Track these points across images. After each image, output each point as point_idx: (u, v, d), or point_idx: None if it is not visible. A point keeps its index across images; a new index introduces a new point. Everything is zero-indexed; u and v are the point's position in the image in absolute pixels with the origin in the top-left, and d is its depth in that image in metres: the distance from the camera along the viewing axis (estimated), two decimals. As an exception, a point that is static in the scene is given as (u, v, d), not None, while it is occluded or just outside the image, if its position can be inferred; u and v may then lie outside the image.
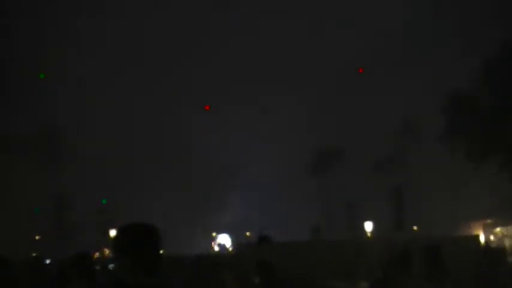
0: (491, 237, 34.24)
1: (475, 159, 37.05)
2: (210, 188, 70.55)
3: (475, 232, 29.68)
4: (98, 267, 9.87)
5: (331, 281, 8.40)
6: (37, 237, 56.06)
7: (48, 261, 15.60)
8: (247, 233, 61.20)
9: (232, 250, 51.30)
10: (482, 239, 22.76)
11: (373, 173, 56.77)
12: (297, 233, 49.06)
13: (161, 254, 3.96)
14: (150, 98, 72.23)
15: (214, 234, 66.49)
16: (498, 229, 35.22)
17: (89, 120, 65.01)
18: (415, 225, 50.65)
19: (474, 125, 37.45)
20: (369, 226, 43.38)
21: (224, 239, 63.50)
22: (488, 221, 36.73)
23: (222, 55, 75.12)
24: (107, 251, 48.76)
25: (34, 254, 45.63)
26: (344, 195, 57.30)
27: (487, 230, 35.13)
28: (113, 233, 46.58)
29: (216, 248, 59.00)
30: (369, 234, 42.07)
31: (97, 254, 50.90)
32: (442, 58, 54.55)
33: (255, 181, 67.85)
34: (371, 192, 53.97)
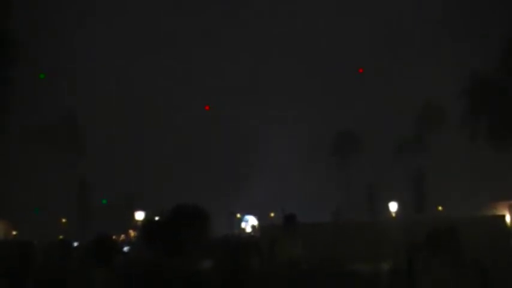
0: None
1: (498, 139, 36.70)
2: (231, 170, 70.77)
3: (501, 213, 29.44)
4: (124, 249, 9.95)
5: (355, 265, 8.40)
6: (64, 220, 56.74)
7: (75, 244, 15.78)
8: (271, 214, 61.33)
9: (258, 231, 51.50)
10: (508, 219, 22.55)
11: (395, 155, 56.48)
12: (317, 215, 49.16)
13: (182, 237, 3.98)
14: (170, 82, 72.48)
15: (238, 215, 66.64)
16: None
17: (107, 107, 65.39)
18: (437, 206, 50.44)
19: (496, 105, 37.04)
20: (393, 206, 43.17)
21: (253, 221, 63.65)
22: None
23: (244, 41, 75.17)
24: (132, 233, 49.29)
25: (61, 237, 46.36)
26: (365, 177, 57.15)
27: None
28: (138, 215, 47.11)
29: (249, 229, 59.03)
30: (393, 215, 41.90)
31: (122, 236, 51.50)
32: (462, 40, 53.88)
33: (276, 163, 67.92)
34: (393, 174, 53.79)
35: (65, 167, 56.95)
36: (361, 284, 6.32)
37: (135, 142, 65.12)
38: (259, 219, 61.60)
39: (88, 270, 5.26)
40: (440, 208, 50.42)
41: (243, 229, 59.65)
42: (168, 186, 63.34)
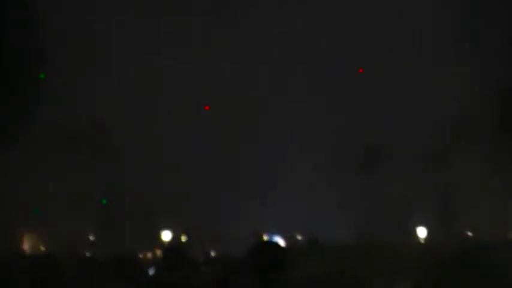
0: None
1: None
2: (252, 187, 70.59)
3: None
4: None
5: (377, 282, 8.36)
6: (91, 238, 57.10)
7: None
8: (299, 237, 61.10)
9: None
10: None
11: (422, 170, 55.79)
12: (343, 234, 48.82)
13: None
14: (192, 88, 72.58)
15: (265, 236, 66.47)
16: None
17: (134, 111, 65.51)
18: (466, 228, 49.76)
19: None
20: (422, 232, 42.70)
21: (280, 241, 63.37)
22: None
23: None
24: (158, 252, 49.41)
25: (88, 254, 46.75)
26: (391, 193, 56.61)
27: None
28: (165, 235, 47.34)
29: None
30: (422, 241, 41.41)
31: (149, 255, 51.62)
32: (488, 53, 53.19)
33: (299, 178, 67.58)
34: (420, 191, 53.21)
35: (93, 176, 57.17)
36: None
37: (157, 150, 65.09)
38: (286, 240, 61.41)
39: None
40: (470, 234, 49.73)
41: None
42: (188, 203, 63.51)
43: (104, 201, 59.98)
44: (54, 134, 55.53)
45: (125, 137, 60.36)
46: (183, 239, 64.06)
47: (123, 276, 5.15)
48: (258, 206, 68.78)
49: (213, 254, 52.96)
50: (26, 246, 46.90)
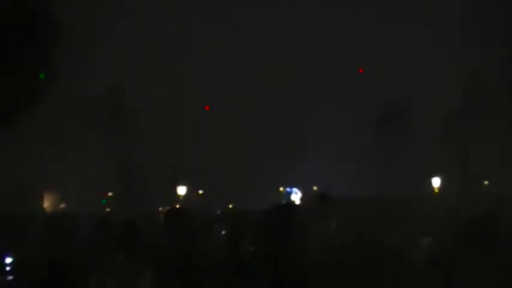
0: None
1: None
2: (277, 145, 70.79)
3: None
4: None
5: (394, 240, 8.29)
6: (110, 194, 57.71)
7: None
8: (315, 188, 61.27)
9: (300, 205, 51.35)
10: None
11: (441, 128, 55.55)
12: (364, 189, 49.01)
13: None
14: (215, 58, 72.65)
15: (281, 189, 66.78)
16: None
17: (155, 81, 65.81)
18: (484, 179, 49.63)
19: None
20: (436, 182, 42.63)
21: (296, 194, 63.64)
22: None
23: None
24: (176, 207, 49.80)
25: (108, 210, 47.32)
26: (410, 150, 56.55)
27: None
28: (181, 190, 47.74)
29: (298, 202, 58.96)
30: (436, 190, 41.36)
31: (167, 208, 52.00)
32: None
33: (322, 136, 67.67)
34: (439, 148, 53.07)
35: (111, 139, 57.66)
36: (397, 260, 6.24)
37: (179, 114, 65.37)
38: (303, 193, 61.69)
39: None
40: (486, 183, 49.56)
41: (293, 201, 59.41)
42: (208, 159, 63.89)
43: (104, 202, 60.41)
44: (76, 102, 56.08)
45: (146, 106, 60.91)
46: (200, 193, 64.87)
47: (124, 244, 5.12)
48: (280, 163, 69.49)
49: (230, 206, 53.67)
50: (46, 204, 47.56)
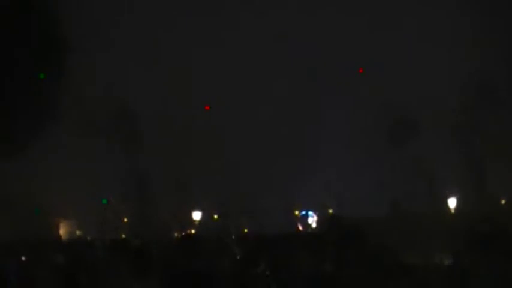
0: None
1: None
2: (285, 166, 70.55)
3: None
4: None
5: (408, 258, 8.28)
6: (125, 220, 57.73)
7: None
8: (330, 210, 60.93)
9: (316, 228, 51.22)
10: None
11: (452, 139, 54.91)
12: (376, 207, 48.58)
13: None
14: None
15: (297, 212, 66.44)
16: None
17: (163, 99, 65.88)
18: (501, 197, 49.11)
19: None
20: (452, 202, 42.26)
21: (309, 217, 63.32)
22: None
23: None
24: (192, 232, 49.80)
25: (123, 236, 47.38)
26: (423, 166, 56.05)
27: None
28: (196, 215, 47.70)
29: (314, 225, 58.48)
30: (452, 211, 40.96)
31: (183, 234, 51.99)
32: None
33: (332, 155, 67.32)
34: (450, 159, 52.59)
35: (123, 161, 57.63)
36: (415, 277, 6.21)
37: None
38: (318, 216, 61.37)
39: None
40: (503, 202, 49.09)
41: (310, 225, 59.07)
42: (217, 181, 63.74)
43: (104, 201, 60.15)
44: (83, 120, 56.27)
45: (153, 121, 60.89)
46: (215, 217, 64.67)
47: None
48: (292, 184, 69.06)
49: (246, 230, 53.48)
50: (62, 231, 47.70)
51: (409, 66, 64.48)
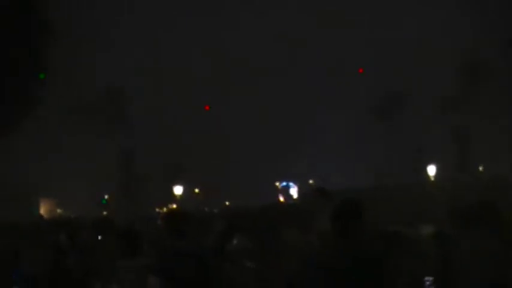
0: None
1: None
2: (276, 137, 70.74)
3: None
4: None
5: (394, 226, 8.29)
6: (106, 197, 57.54)
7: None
8: (310, 181, 61.19)
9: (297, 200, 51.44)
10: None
11: (439, 113, 55.32)
12: (363, 178, 48.98)
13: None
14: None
15: (277, 184, 66.65)
16: None
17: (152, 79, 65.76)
18: (480, 165, 49.60)
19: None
20: (432, 170, 42.53)
21: (291, 189, 63.62)
22: None
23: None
24: (173, 206, 49.75)
25: (105, 213, 47.25)
26: (408, 138, 56.41)
27: None
28: (177, 189, 47.62)
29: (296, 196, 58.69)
30: (432, 179, 41.19)
31: (164, 209, 51.98)
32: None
33: (322, 127, 67.60)
34: (436, 135, 52.99)
35: (109, 140, 57.39)
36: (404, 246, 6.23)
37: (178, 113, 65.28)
38: (299, 187, 61.70)
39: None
40: (480, 168, 49.57)
41: (292, 196, 59.27)
42: (207, 158, 63.81)
43: (104, 201, 59.75)
44: (73, 103, 56.01)
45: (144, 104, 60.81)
46: (196, 191, 64.78)
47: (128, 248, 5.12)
48: (271, 155, 69.36)
49: (227, 203, 53.67)
50: (43, 210, 47.48)
51: (395, 39, 65.29)
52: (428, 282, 5.21)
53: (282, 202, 47.00)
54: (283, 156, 68.86)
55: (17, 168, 44.62)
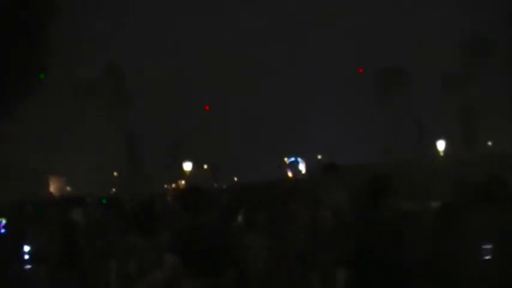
0: None
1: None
2: (283, 114, 70.80)
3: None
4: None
5: (400, 203, 8.32)
6: (115, 174, 57.77)
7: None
8: (319, 157, 61.18)
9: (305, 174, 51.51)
10: None
11: (443, 90, 55.17)
12: (369, 155, 48.99)
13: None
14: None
15: (286, 159, 66.63)
16: None
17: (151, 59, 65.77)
18: (487, 140, 49.53)
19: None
20: (441, 145, 42.30)
21: (299, 164, 63.53)
22: None
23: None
24: (182, 183, 49.94)
25: (113, 190, 47.43)
26: (414, 113, 56.23)
27: None
28: (186, 165, 47.73)
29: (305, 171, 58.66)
30: (441, 154, 41.02)
31: (173, 185, 52.24)
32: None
33: (326, 105, 67.58)
34: (442, 110, 52.86)
35: (113, 120, 57.56)
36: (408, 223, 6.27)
37: (182, 91, 65.38)
38: (306, 162, 61.61)
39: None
40: (489, 143, 49.41)
41: (300, 172, 59.26)
42: (213, 136, 63.99)
43: (104, 201, 59.22)
44: (75, 84, 56.09)
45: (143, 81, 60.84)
46: (205, 167, 64.92)
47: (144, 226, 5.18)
48: (279, 131, 69.43)
49: (236, 179, 53.80)
50: (52, 188, 47.76)
51: (400, 19, 64.94)
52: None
53: (290, 177, 47.11)
54: (292, 132, 69.06)
55: (25, 148, 44.80)
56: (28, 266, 7.49)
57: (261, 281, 6.07)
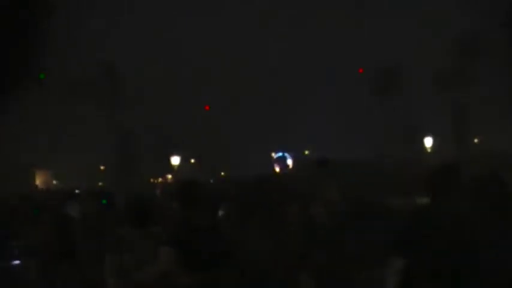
0: None
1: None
2: (273, 109, 70.91)
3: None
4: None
5: (389, 199, 8.35)
6: (102, 168, 57.60)
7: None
8: (306, 152, 61.34)
9: (292, 170, 51.55)
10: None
11: (434, 89, 55.35)
12: (359, 152, 49.14)
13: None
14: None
15: (273, 154, 66.68)
16: None
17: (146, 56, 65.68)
18: (476, 138, 49.85)
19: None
20: (428, 142, 42.59)
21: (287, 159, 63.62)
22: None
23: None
24: (169, 177, 49.95)
25: (100, 184, 47.32)
26: (405, 112, 56.47)
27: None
28: (174, 160, 47.69)
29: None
30: (428, 150, 41.35)
31: (160, 180, 52.24)
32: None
33: (317, 100, 67.80)
34: (433, 109, 53.11)
35: (105, 116, 57.33)
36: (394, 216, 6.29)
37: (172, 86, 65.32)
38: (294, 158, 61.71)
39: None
40: (476, 140, 49.71)
41: (288, 166, 59.36)
42: (198, 127, 63.94)
43: (104, 201, 58.76)
44: (67, 79, 55.78)
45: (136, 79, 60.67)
46: (192, 161, 64.91)
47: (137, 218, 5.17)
48: (266, 126, 69.51)
49: (222, 174, 53.81)
50: (39, 182, 47.62)
51: (392, 19, 65.15)
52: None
53: (277, 172, 47.10)
54: (280, 127, 69.24)
55: (13, 142, 44.61)
56: (16, 262, 7.45)
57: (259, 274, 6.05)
